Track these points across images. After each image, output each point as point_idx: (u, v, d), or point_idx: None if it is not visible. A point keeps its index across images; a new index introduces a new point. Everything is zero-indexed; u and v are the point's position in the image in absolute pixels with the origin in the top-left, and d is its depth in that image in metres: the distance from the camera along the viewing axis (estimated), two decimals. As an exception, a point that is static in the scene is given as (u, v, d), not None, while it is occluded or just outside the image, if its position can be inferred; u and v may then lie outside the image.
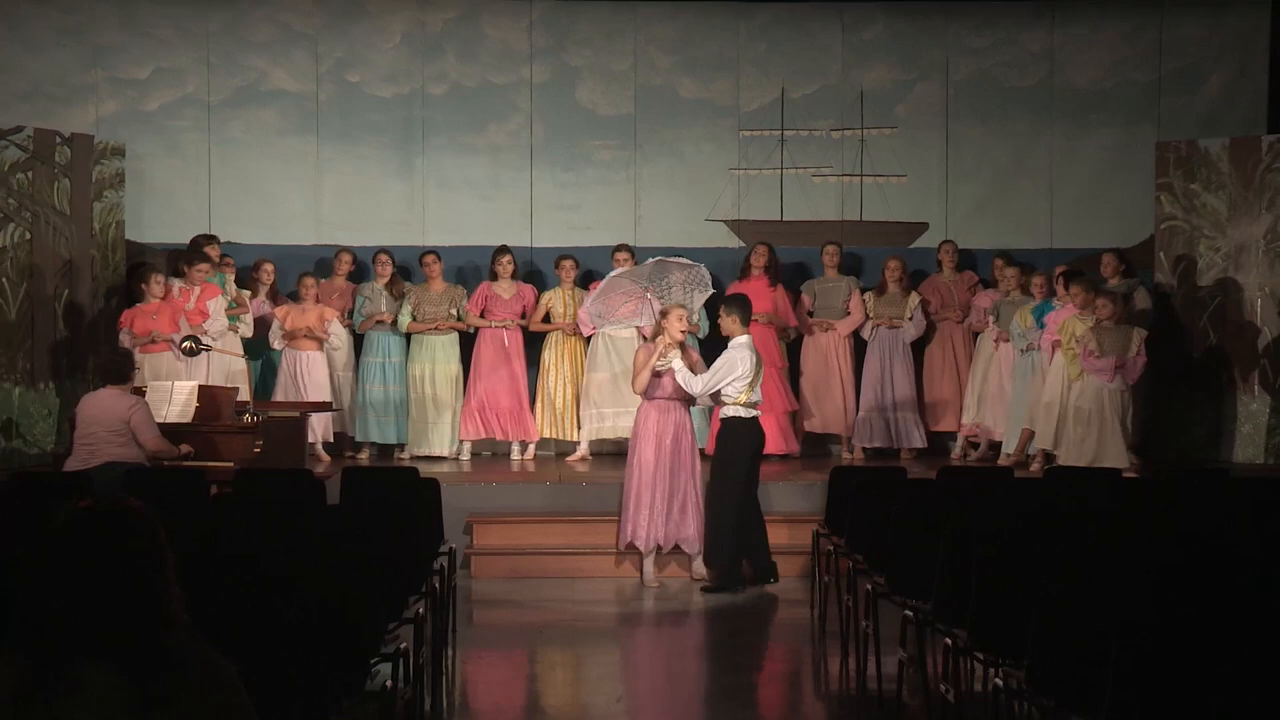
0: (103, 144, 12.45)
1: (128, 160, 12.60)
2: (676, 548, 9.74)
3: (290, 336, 11.69)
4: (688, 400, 9.61)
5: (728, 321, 9.62)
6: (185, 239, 11.98)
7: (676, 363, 9.40)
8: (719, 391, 9.42)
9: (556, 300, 12.15)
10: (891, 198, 13.18)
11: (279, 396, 11.50)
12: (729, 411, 9.46)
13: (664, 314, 9.58)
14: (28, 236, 11.83)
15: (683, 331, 9.46)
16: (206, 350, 10.59)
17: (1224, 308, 12.25)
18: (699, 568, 9.76)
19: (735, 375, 9.36)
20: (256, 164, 12.94)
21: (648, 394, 9.57)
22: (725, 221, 13.13)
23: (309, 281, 11.90)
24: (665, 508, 9.60)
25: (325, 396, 11.55)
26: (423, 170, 13.06)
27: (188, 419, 9.25)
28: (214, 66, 12.92)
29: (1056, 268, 11.76)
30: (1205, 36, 13.06)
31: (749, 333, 9.62)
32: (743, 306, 9.70)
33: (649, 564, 9.71)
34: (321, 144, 13.00)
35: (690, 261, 10.19)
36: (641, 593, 9.54)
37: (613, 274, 10.61)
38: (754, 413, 9.49)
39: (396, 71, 13.07)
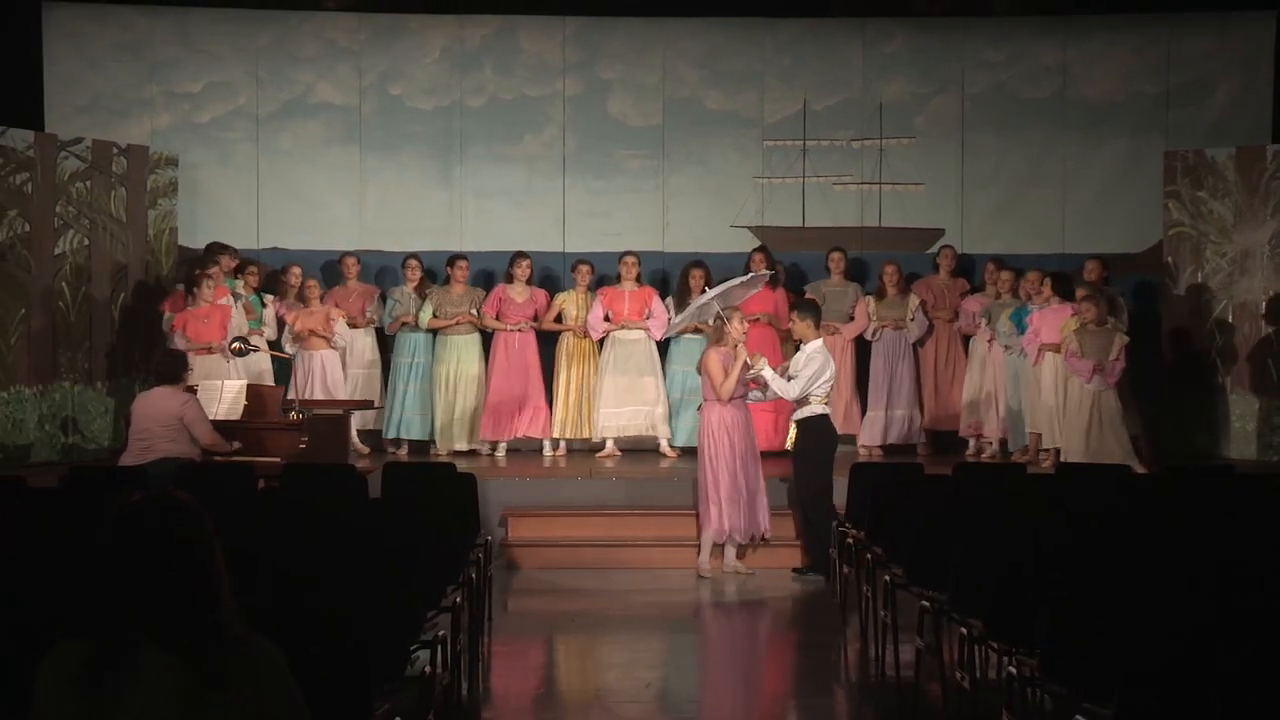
0: (157, 155, 12.53)
1: (181, 170, 12.67)
2: (750, 538, 9.76)
3: (298, 338, 11.69)
4: (745, 394, 9.64)
5: (801, 326, 9.69)
6: (235, 245, 12.04)
7: (767, 371, 9.49)
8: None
9: (569, 303, 12.13)
10: (909, 205, 13.14)
11: (297, 395, 11.47)
12: (816, 410, 9.54)
13: (726, 319, 9.61)
14: (86, 243, 11.91)
15: (744, 334, 9.54)
16: (255, 351, 10.63)
17: (1229, 310, 12.17)
18: (730, 559, 9.73)
19: (825, 378, 9.51)
20: (303, 173, 13.00)
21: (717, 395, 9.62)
22: (750, 228, 13.12)
23: (311, 283, 11.89)
24: (748, 499, 9.62)
25: (342, 394, 11.58)
26: (461, 179, 13.10)
27: (237, 416, 9.29)
28: (263, 81, 12.98)
29: (1030, 271, 11.70)
30: (1212, 51, 12.98)
31: (821, 336, 9.77)
32: (815, 311, 9.90)
33: (730, 553, 9.72)
34: (365, 154, 13.04)
35: (764, 272, 10.45)
36: (696, 581, 9.51)
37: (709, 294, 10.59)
38: (829, 410, 9.70)
39: (436, 85, 13.10)
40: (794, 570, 9.65)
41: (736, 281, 10.19)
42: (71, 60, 12.75)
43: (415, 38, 13.11)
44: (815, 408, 9.56)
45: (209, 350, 10.66)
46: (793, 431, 9.68)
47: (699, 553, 9.73)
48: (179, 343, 10.81)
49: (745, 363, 9.49)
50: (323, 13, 13.11)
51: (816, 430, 9.59)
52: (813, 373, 9.48)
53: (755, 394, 9.72)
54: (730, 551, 9.74)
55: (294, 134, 13.00)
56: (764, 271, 10.79)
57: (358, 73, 13.07)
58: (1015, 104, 13.13)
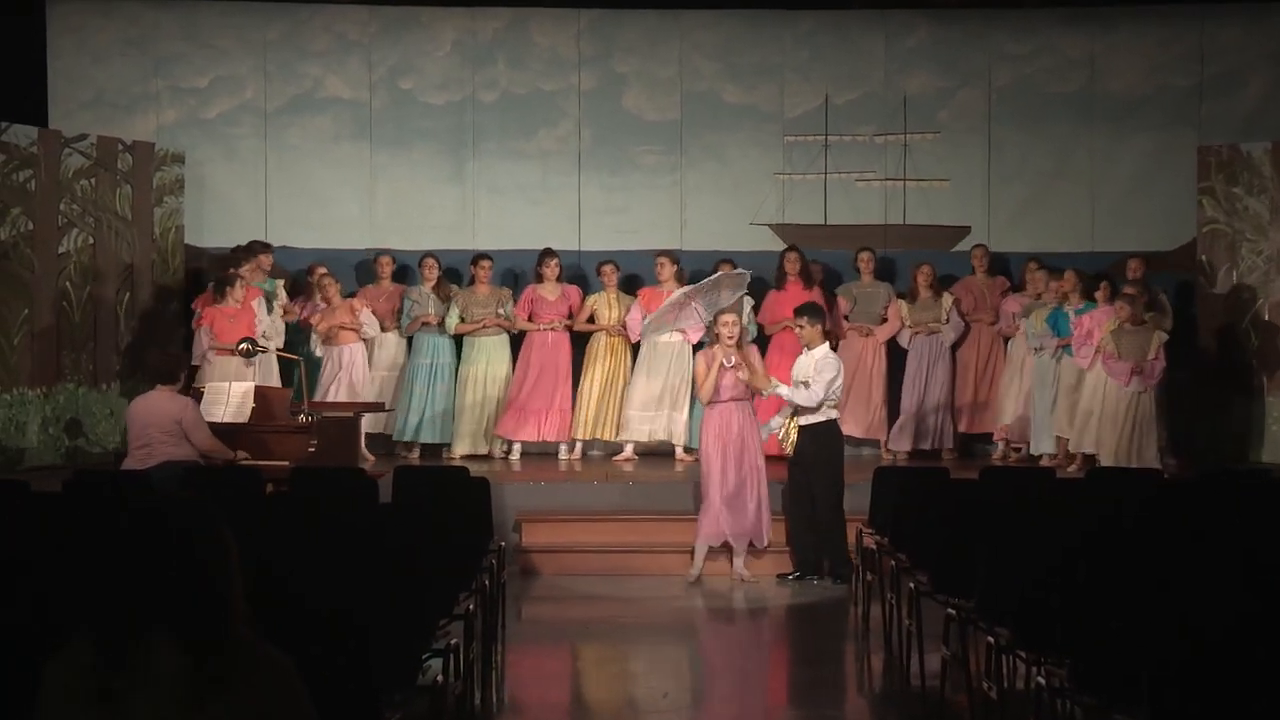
0: (163, 151, 12.55)
1: (187, 167, 12.69)
2: (746, 545, 9.71)
3: (327, 338, 11.67)
4: (748, 395, 9.60)
5: (811, 331, 9.69)
6: (243, 243, 12.07)
7: (782, 389, 9.52)
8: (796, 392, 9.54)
9: (601, 304, 12.13)
10: (934, 202, 13.11)
11: (322, 394, 11.48)
12: (831, 415, 9.58)
13: (713, 321, 9.63)
14: (91, 241, 11.94)
15: (730, 336, 9.48)
16: (264, 352, 10.64)
17: (1266, 310, 12.11)
18: (740, 567, 9.70)
19: (838, 384, 9.59)
20: (312, 170, 13.02)
21: (712, 399, 9.59)
22: (769, 225, 13.10)
23: (327, 281, 11.82)
24: (738, 504, 9.58)
25: (368, 393, 11.56)
26: (473, 175, 13.10)
27: (244, 419, 9.29)
28: (271, 75, 13.00)
29: (1067, 271, 11.67)
30: (1245, 41, 12.92)
31: (828, 341, 9.86)
32: (824, 316, 10.02)
33: (738, 562, 9.68)
34: (375, 150, 13.06)
35: (740, 271, 10.33)
36: (687, 590, 9.49)
37: (675, 294, 10.63)
38: (839, 415, 9.83)
39: (448, 79, 13.11)
40: (780, 576, 9.63)
41: (710, 281, 10.17)
42: (76, 55, 12.78)
43: (426, 31, 13.12)
44: (828, 412, 9.56)
45: (232, 351, 10.63)
46: (793, 435, 9.61)
47: (692, 557, 9.70)
48: (203, 339, 10.82)
49: (722, 364, 9.45)
50: (332, 5, 13.12)
51: (829, 436, 9.60)
52: (830, 378, 9.49)
53: (774, 422, 9.71)
54: (737, 560, 9.70)
55: (303, 129, 13.02)
56: (740, 271, 10.73)
57: (368, 67, 13.08)
58: (1041, 97, 13.09)
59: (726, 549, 9.72)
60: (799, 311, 9.97)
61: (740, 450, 9.59)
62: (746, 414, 9.65)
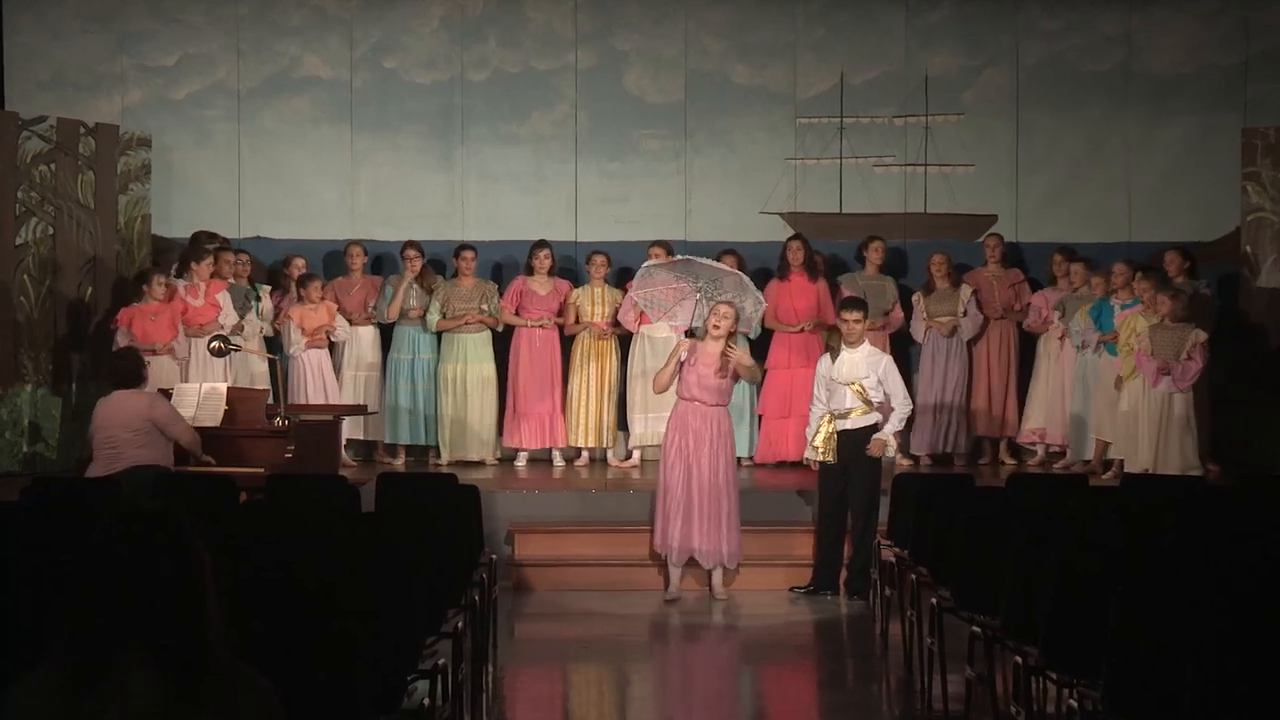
0: (129, 134, 12.56)
1: (155, 151, 12.69)
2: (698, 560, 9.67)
3: (313, 344, 11.64)
4: (722, 399, 9.56)
5: (864, 325, 9.75)
6: (221, 233, 12.10)
7: (890, 439, 9.61)
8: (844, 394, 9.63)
9: (584, 299, 12.08)
10: (958, 189, 13.11)
11: (293, 399, 11.46)
12: (875, 418, 9.62)
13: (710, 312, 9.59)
14: (50, 231, 11.95)
15: (716, 327, 9.39)
16: (235, 350, 10.64)
17: (1315, 305, 12.13)
18: (717, 583, 9.66)
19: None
20: (288, 155, 13.02)
21: (679, 394, 9.56)
22: (781, 214, 13.11)
23: (317, 284, 11.85)
24: (694, 516, 9.52)
25: (334, 394, 11.56)
26: (462, 161, 13.11)
27: (216, 422, 9.31)
28: (244, 53, 13.02)
29: (1117, 263, 11.70)
30: (1294, 18, 12.94)
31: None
32: (868, 309, 10.10)
33: (675, 575, 9.64)
34: (356, 134, 13.07)
35: (723, 266, 10.27)
36: (686, 605, 9.51)
37: (648, 264, 10.53)
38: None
39: (435, 57, 13.11)
40: (792, 590, 9.68)
41: (712, 266, 10.11)
42: (34, 31, 12.79)
43: (412, 5, 13.13)
44: (872, 415, 9.56)
45: (154, 351, 10.66)
46: (833, 440, 9.58)
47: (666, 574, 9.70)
48: (121, 341, 10.81)
49: (680, 359, 9.42)
50: (310, -22, 13.15)
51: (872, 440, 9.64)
52: (900, 380, 9.68)
53: (808, 454, 9.84)
54: (715, 574, 9.63)
55: (278, 111, 13.03)
56: (746, 282, 10.76)
57: (349, 44, 13.09)
58: (1074, 77, 13.08)
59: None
60: (849, 305, 9.93)
61: (695, 458, 9.46)
62: (709, 419, 9.48)
